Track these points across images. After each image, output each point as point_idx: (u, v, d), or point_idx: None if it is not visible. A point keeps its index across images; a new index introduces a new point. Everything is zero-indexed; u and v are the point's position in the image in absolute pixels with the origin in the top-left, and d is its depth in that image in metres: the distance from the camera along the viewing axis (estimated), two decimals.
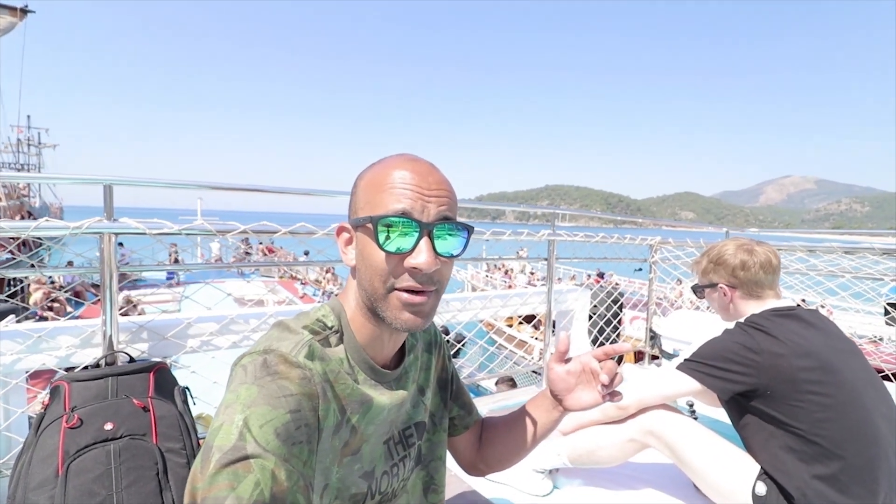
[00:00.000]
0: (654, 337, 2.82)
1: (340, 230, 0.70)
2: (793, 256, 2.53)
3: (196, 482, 0.49)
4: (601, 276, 13.69)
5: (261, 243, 12.38)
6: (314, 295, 11.71)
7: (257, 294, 9.32)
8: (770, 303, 1.34)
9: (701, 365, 1.24)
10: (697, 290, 1.51)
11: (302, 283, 11.92)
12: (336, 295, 0.75)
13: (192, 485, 0.49)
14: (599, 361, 0.82)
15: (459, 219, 0.67)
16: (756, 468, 1.23)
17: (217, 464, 0.49)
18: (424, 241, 0.61)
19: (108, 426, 1.11)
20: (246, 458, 0.49)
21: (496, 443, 0.96)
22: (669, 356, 2.55)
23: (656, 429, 1.34)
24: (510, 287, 15.14)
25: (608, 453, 1.42)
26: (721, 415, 1.82)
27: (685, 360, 1.28)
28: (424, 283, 0.63)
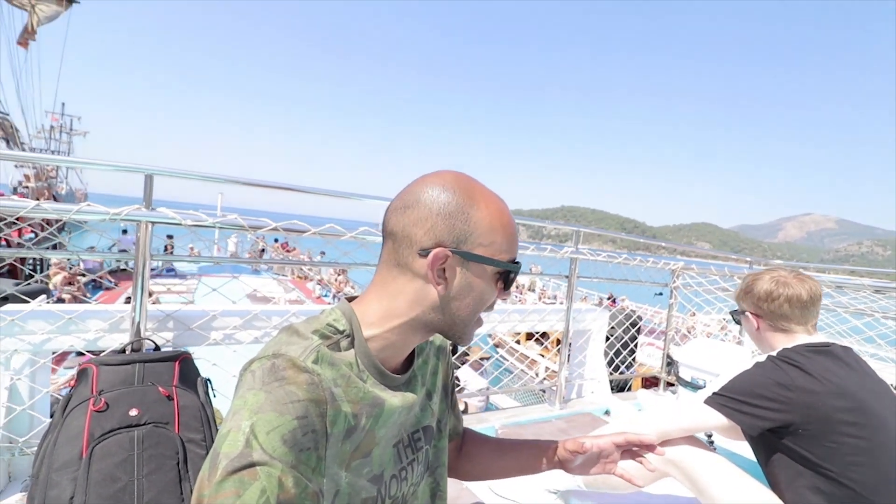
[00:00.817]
0: (671, 363, 2.77)
1: (437, 253, 0.66)
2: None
3: (203, 489, 0.50)
4: (613, 300, 13.54)
5: (276, 240, 12.48)
6: (325, 297, 11.77)
7: (269, 291, 9.40)
8: (800, 338, 1.30)
9: (730, 400, 1.19)
10: (735, 315, 1.47)
11: (319, 284, 11.95)
12: (345, 297, 0.75)
13: (199, 492, 0.50)
14: (621, 448, 0.90)
15: None
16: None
17: (224, 471, 0.49)
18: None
19: (134, 412, 1.12)
20: (252, 465, 0.50)
21: (481, 460, 0.98)
22: (686, 384, 2.50)
23: (678, 459, 1.30)
24: (521, 302, 15.08)
25: (623, 482, 1.39)
26: (740, 448, 1.77)
27: (714, 393, 1.23)
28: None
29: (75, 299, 7.45)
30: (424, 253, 0.66)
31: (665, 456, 1.31)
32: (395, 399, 0.72)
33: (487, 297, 0.69)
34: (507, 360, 10.25)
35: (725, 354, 2.35)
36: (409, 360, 0.80)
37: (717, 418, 1.21)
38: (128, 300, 1.44)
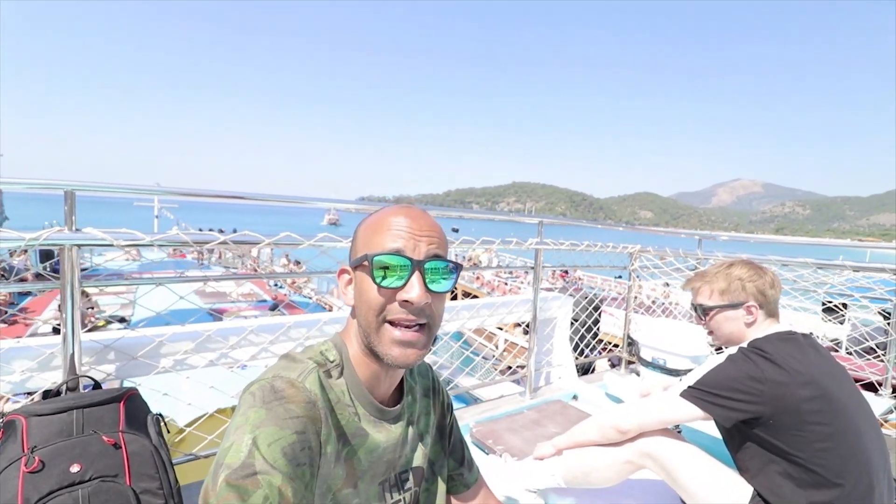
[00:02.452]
0: (631, 343, 2.86)
1: (342, 272, 0.75)
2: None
3: (208, 497, 0.52)
4: (566, 271, 14.00)
5: (221, 230, 11.85)
6: (280, 287, 11.36)
7: (220, 285, 8.96)
8: (774, 326, 1.35)
9: (705, 393, 1.23)
10: (709, 310, 1.43)
11: (276, 284, 11.45)
12: (338, 333, 0.78)
13: (203, 499, 0.52)
14: None
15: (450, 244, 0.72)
16: (749, 490, 1.24)
17: (227, 479, 0.52)
18: (416, 277, 0.67)
19: (75, 468, 0.99)
20: (254, 474, 0.52)
21: None
22: (647, 363, 2.58)
23: (653, 451, 1.33)
24: (478, 278, 15.25)
25: (603, 475, 1.40)
26: (705, 427, 1.85)
27: (689, 387, 1.26)
28: (416, 315, 0.67)
29: (3, 305, 6.79)
30: None
31: (640, 449, 1.34)
32: (379, 434, 0.73)
33: (370, 295, 0.68)
34: (471, 338, 10.40)
35: (683, 334, 2.44)
36: (399, 396, 0.81)
37: (693, 411, 1.25)
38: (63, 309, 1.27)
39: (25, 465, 0.96)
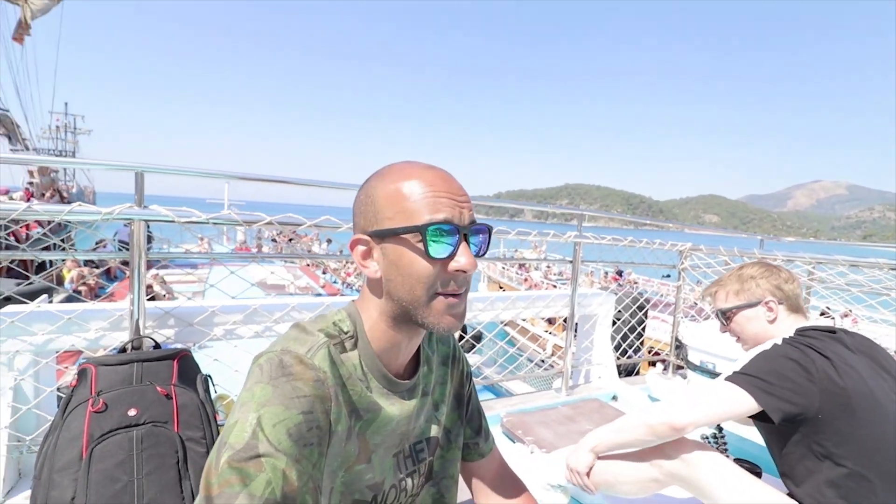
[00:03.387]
0: (679, 346, 2.73)
1: (356, 243, 0.69)
2: (833, 270, 2.41)
3: (210, 477, 0.51)
4: (619, 273, 13.38)
5: (280, 233, 12.57)
6: (334, 282, 11.85)
7: (279, 279, 9.47)
8: (801, 321, 1.28)
9: (756, 380, 1.12)
10: (727, 312, 1.40)
11: (322, 272, 12.06)
12: (353, 301, 0.75)
13: (206, 479, 0.51)
14: None
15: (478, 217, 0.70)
16: None
17: (230, 460, 0.51)
18: (463, 245, 0.64)
19: (132, 412, 1.12)
20: (258, 456, 0.51)
21: (481, 493, 0.95)
22: (696, 367, 2.46)
23: (684, 473, 1.20)
24: (526, 280, 15.02)
25: (628, 489, 1.31)
26: (747, 432, 1.74)
27: (736, 372, 1.17)
28: (462, 285, 0.65)
29: (91, 291, 7.59)
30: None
31: (671, 471, 1.22)
32: (392, 407, 0.71)
33: (418, 268, 0.63)
34: (519, 340, 10.29)
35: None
36: (414, 367, 0.79)
37: (744, 401, 1.13)
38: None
39: (92, 406, 1.10)
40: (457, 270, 0.63)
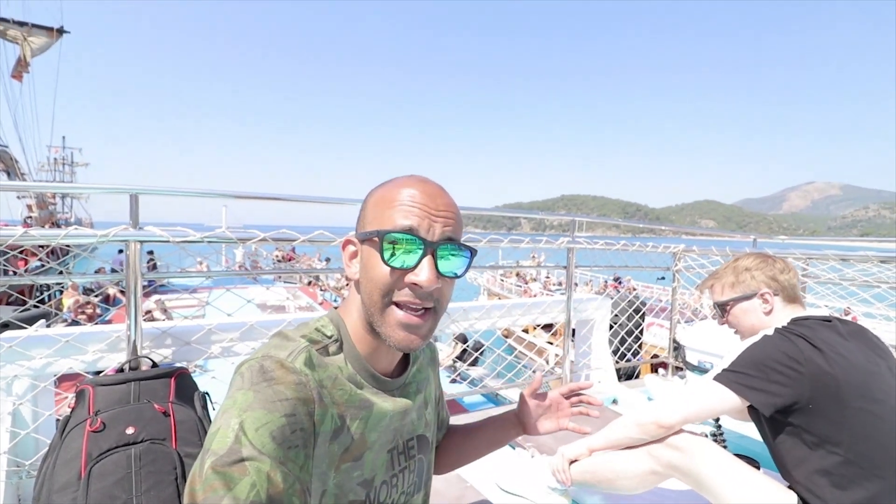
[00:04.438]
0: (677, 347, 2.74)
1: (346, 243, 0.72)
2: (825, 265, 2.43)
3: (195, 484, 0.51)
4: (618, 281, 13.35)
5: (278, 250, 12.60)
6: (334, 301, 11.83)
7: (279, 300, 9.46)
8: (798, 311, 1.29)
9: (741, 376, 1.15)
10: (724, 305, 1.41)
11: (321, 290, 12.06)
12: (335, 307, 0.77)
13: (190, 486, 0.51)
14: (566, 398, 0.97)
15: (470, 231, 0.70)
16: (793, 500, 1.14)
17: (213, 465, 0.50)
18: (427, 260, 0.63)
19: (130, 430, 1.13)
20: (241, 460, 0.51)
21: (450, 449, 1.01)
22: (694, 368, 2.47)
23: (683, 464, 1.22)
24: (525, 292, 15.02)
25: (628, 484, 1.32)
26: (746, 429, 1.75)
27: (723, 370, 1.19)
28: (423, 299, 0.65)
29: (90, 319, 7.57)
30: None
31: (670, 462, 1.24)
32: (386, 403, 0.72)
33: (377, 272, 0.64)
34: (519, 350, 10.25)
35: (733, 336, 2.32)
36: (403, 366, 0.80)
37: (729, 398, 1.16)
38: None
39: (90, 426, 1.11)
40: (413, 284, 0.63)
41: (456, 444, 1.01)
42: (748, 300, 1.36)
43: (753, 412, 1.21)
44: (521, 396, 0.97)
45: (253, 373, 0.59)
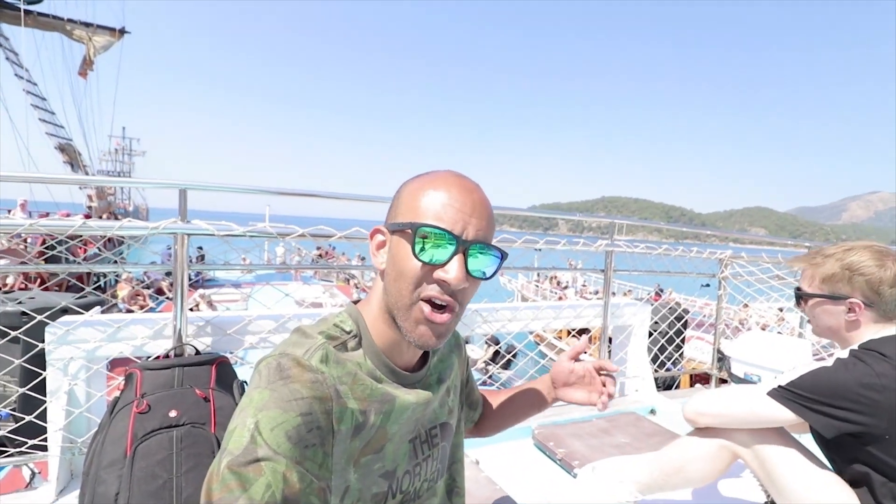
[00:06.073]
0: (721, 359, 2.61)
1: (375, 232, 0.71)
2: None
3: (211, 483, 0.51)
4: (659, 293, 12.83)
5: (319, 247, 12.93)
6: None
7: (316, 296, 9.71)
8: (888, 330, 1.13)
9: (799, 397, 1.07)
10: (804, 296, 1.24)
11: (358, 288, 12.28)
12: (355, 302, 0.76)
13: (207, 485, 0.51)
14: (599, 373, 0.94)
15: (505, 231, 0.69)
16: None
17: (229, 465, 0.51)
18: (458, 258, 0.63)
19: (173, 413, 1.18)
20: (257, 460, 0.51)
21: (490, 415, 1.04)
22: (739, 380, 2.34)
23: (755, 445, 1.17)
24: (560, 298, 14.73)
25: (700, 467, 1.25)
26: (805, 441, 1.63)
27: (780, 387, 1.11)
28: (450, 296, 0.64)
29: (142, 309, 8.04)
30: None
31: (739, 440, 1.20)
32: (408, 395, 0.72)
33: (407, 265, 0.64)
34: (547, 356, 10.08)
35: (783, 348, 2.19)
36: (425, 357, 0.80)
37: (782, 413, 1.09)
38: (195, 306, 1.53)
39: (136, 407, 1.17)
40: (441, 280, 0.63)
41: (497, 412, 1.05)
42: (833, 303, 1.18)
43: (821, 437, 1.13)
44: (559, 361, 0.97)
45: (270, 371, 0.59)
